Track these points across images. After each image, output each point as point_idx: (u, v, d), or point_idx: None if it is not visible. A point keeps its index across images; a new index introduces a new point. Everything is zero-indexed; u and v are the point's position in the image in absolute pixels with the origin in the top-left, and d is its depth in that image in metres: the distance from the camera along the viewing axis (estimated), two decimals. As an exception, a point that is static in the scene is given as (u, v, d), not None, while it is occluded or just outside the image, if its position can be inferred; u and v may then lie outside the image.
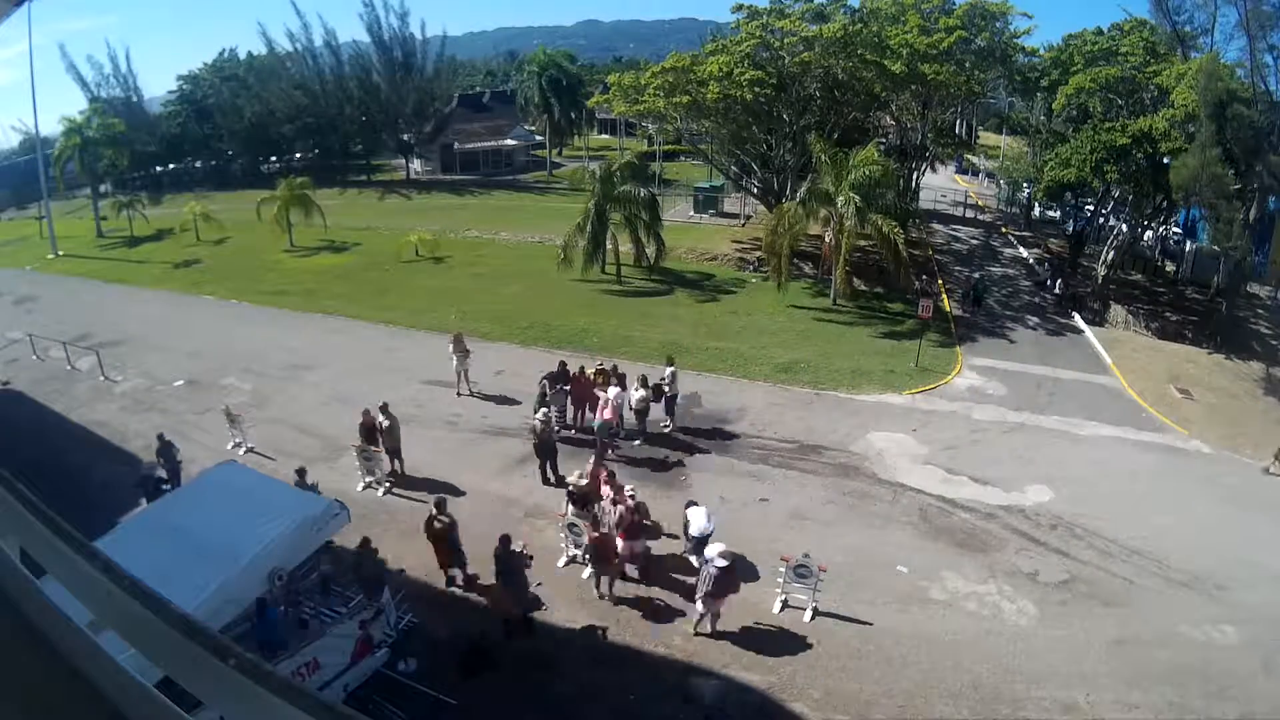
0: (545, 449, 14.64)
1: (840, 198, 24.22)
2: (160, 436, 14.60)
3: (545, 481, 14.74)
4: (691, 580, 11.31)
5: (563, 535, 12.43)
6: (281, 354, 21.94)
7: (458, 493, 14.51)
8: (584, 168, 34.16)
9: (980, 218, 44.13)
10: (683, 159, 52.60)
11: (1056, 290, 29.10)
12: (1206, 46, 26.14)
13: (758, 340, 22.96)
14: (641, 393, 15.94)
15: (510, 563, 10.55)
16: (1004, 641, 11.07)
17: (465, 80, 77.05)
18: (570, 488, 12.67)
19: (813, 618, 11.27)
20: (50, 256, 36.14)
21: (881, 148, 32.75)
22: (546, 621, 11.22)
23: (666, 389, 16.68)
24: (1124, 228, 31.33)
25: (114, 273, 33.00)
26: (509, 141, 61.16)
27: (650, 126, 44.90)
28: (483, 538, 13.14)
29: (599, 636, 10.94)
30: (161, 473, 13.87)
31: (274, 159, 58.25)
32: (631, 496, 11.84)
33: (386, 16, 55.43)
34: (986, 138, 64.55)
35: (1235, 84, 23.96)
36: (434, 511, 11.58)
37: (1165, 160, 26.31)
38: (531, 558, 10.92)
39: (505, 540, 10.72)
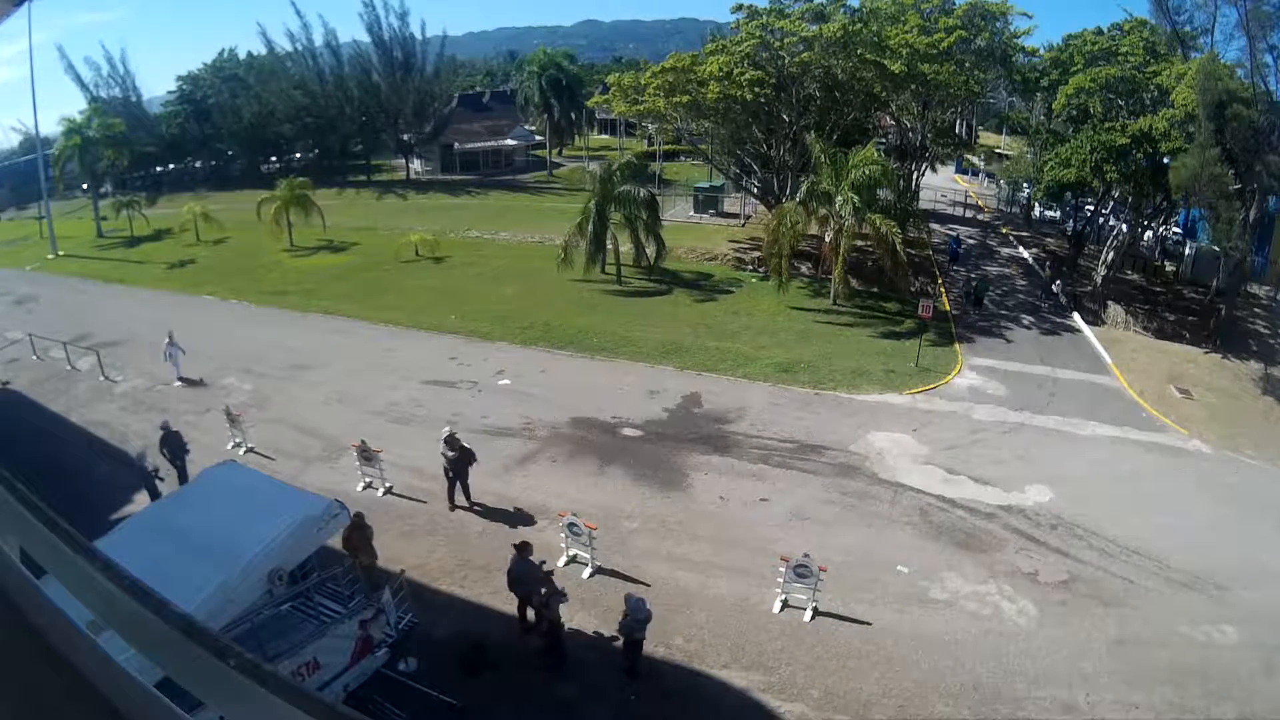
0: (459, 465, 13.63)
1: (839, 198, 24.22)
2: (165, 425, 14.61)
3: (452, 505, 13.87)
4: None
5: (563, 535, 12.44)
6: (281, 354, 21.93)
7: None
8: (583, 168, 34.16)
9: (979, 217, 44.19)
10: (683, 159, 52.61)
11: (1055, 290, 29.15)
12: (1206, 46, 26.06)
13: (757, 340, 22.96)
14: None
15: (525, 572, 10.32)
16: (1004, 641, 11.07)
17: (465, 80, 76.90)
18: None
19: (813, 618, 11.28)
20: (50, 256, 36.11)
21: (881, 148, 32.73)
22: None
23: None
24: (1124, 228, 31.32)
25: (114, 273, 32.98)
26: (509, 141, 61.12)
27: (650, 126, 44.86)
28: (482, 536, 13.22)
29: (600, 636, 10.94)
30: (152, 465, 13.89)
31: (274, 159, 58.24)
32: None
33: (386, 16, 55.41)
34: (986, 138, 64.50)
35: (1235, 84, 23.89)
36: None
37: (1165, 160, 26.30)
38: (551, 571, 10.71)
39: (522, 548, 10.59)
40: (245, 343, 22.90)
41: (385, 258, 32.66)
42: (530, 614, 10.83)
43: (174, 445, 14.29)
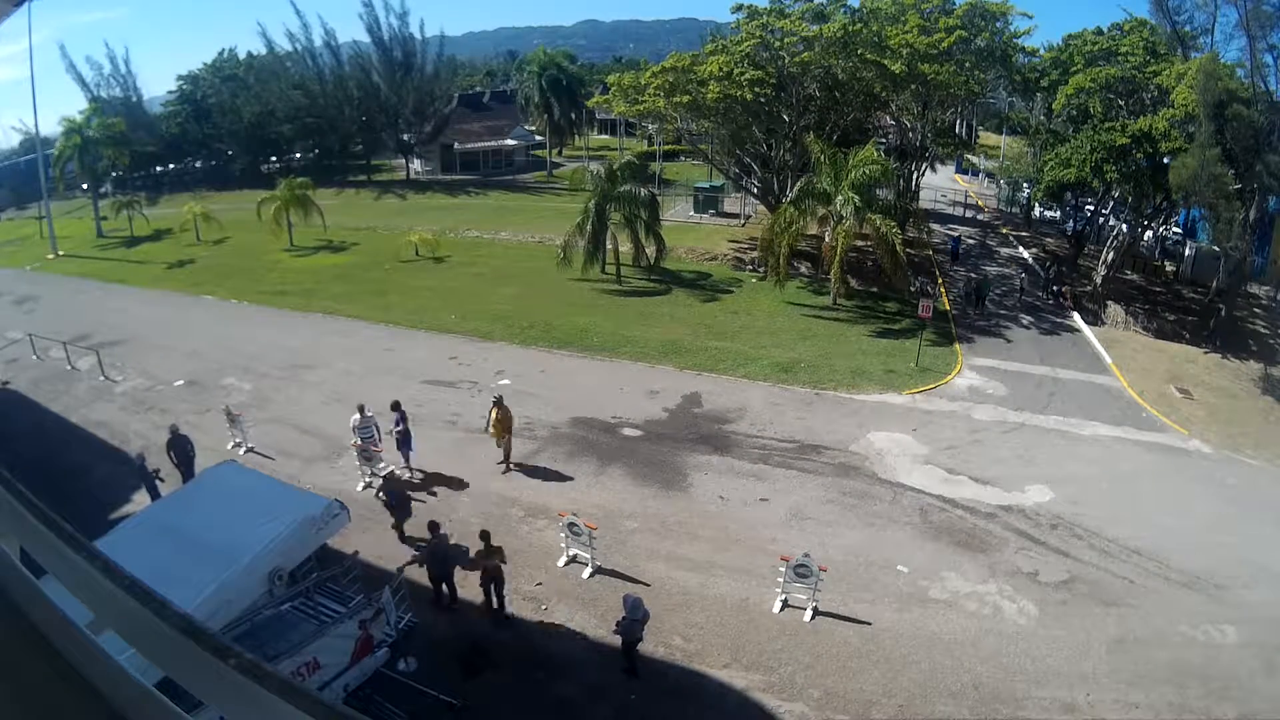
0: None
1: (839, 197, 24.22)
2: (173, 428, 14.60)
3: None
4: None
5: (563, 535, 12.44)
6: (281, 354, 21.93)
7: (458, 492, 14.55)
8: (583, 167, 34.10)
9: (979, 217, 44.20)
10: (683, 159, 52.56)
11: (1054, 289, 29.24)
12: (1206, 46, 26.06)
13: (757, 340, 22.96)
14: None
15: None
16: (1004, 641, 11.07)
17: (465, 80, 76.89)
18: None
19: (813, 618, 11.28)
20: (50, 256, 36.13)
21: (881, 148, 32.70)
22: (547, 620, 11.23)
23: None
24: (1124, 228, 31.33)
25: (114, 273, 32.98)
26: (509, 141, 61.11)
27: (650, 126, 44.82)
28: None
29: (600, 636, 10.94)
30: (153, 465, 13.89)
31: (274, 159, 58.25)
32: None
33: (386, 16, 55.43)
34: (986, 138, 64.49)
35: (1235, 84, 23.91)
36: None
37: (1165, 160, 26.29)
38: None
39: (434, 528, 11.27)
40: (245, 342, 22.91)
41: (385, 258, 32.67)
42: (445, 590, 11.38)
43: (181, 449, 14.19)
